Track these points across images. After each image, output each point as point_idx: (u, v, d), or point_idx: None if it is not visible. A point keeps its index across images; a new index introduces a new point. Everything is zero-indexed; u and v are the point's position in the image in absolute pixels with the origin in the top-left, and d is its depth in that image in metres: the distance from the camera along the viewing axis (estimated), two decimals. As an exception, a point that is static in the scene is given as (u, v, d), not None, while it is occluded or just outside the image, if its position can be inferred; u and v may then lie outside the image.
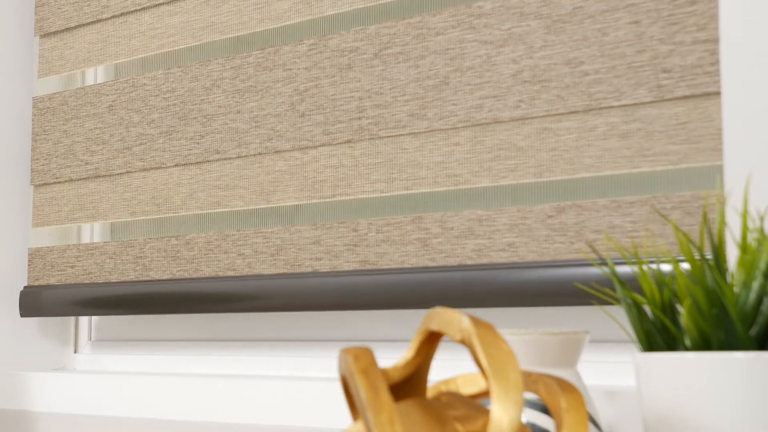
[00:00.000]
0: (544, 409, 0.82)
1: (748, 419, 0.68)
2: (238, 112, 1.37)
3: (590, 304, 1.05)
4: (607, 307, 1.05)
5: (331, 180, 1.27)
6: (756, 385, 0.68)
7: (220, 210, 1.38)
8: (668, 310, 0.75)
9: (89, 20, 1.56)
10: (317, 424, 1.21)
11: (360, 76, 1.25)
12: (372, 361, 0.62)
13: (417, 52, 1.21)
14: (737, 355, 0.68)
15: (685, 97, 1.02)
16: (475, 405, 0.67)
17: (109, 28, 1.54)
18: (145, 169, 1.47)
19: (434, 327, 0.66)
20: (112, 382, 1.42)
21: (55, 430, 1.48)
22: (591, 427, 0.84)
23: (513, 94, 1.13)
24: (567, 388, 0.65)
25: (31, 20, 1.67)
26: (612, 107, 1.06)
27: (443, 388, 0.72)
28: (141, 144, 1.47)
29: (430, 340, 0.69)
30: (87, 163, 1.54)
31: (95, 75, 1.68)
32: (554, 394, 0.65)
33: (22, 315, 1.59)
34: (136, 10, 1.50)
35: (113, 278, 1.50)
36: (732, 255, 0.93)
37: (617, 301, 1.03)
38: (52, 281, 1.58)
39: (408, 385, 0.70)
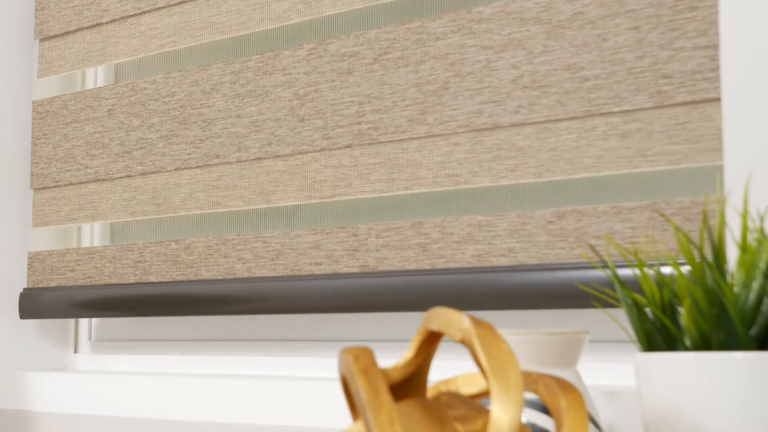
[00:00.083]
0: (544, 409, 0.82)
1: (748, 419, 0.68)
2: (238, 116, 1.37)
3: (590, 306, 1.05)
4: (607, 310, 1.05)
5: (331, 180, 1.27)
6: (756, 385, 0.68)
7: (219, 210, 1.38)
8: (668, 310, 0.75)
9: (89, 24, 1.56)
10: (317, 424, 1.21)
11: (360, 81, 1.25)
12: (372, 361, 0.62)
13: (417, 57, 1.21)
14: (737, 355, 0.68)
15: (685, 103, 1.02)
16: (475, 405, 0.67)
17: (109, 31, 1.54)
18: (144, 173, 1.47)
19: (434, 327, 0.66)
20: (112, 382, 1.42)
21: (55, 430, 1.48)
22: (591, 427, 0.84)
23: (513, 99, 1.13)
24: (567, 388, 0.65)
25: (31, 23, 1.67)
26: (612, 113, 1.06)
27: (443, 388, 0.72)
28: (141, 148, 1.47)
29: (430, 340, 0.69)
30: (87, 167, 1.54)
31: (95, 76, 1.68)
32: (554, 394, 0.65)
33: (21, 317, 1.59)
34: (135, 14, 1.50)
35: (113, 282, 1.50)
36: (732, 255, 0.93)
37: (617, 301, 1.03)
38: (52, 285, 1.58)
39: (408, 385, 0.70)
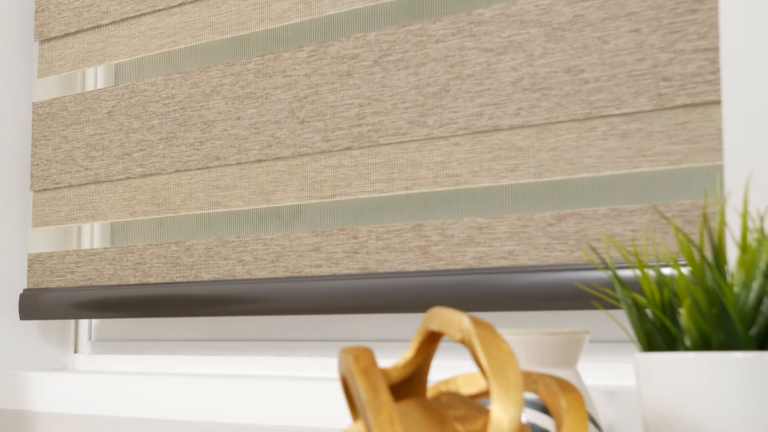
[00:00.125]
0: (544, 409, 0.82)
1: (748, 419, 0.68)
2: (238, 118, 1.37)
3: (590, 308, 1.05)
4: (607, 310, 1.05)
5: (331, 180, 1.27)
6: (756, 385, 0.68)
7: (219, 210, 1.38)
8: (668, 310, 0.75)
9: (89, 26, 1.56)
10: (317, 424, 1.21)
11: (360, 83, 1.25)
12: (372, 361, 0.62)
13: (417, 60, 1.21)
14: (737, 355, 0.68)
15: (686, 106, 1.02)
16: (475, 405, 0.67)
17: (109, 32, 1.54)
18: (144, 175, 1.47)
19: (434, 327, 0.66)
20: (112, 382, 1.42)
21: (55, 430, 1.48)
22: (591, 427, 0.84)
23: (513, 101, 1.13)
24: (567, 388, 0.65)
25: (31, 25, 1.67)
26: (612, 115, 1.06)
27: (443, 388, 0.72)
28: (141, 150, 1.47)
29: (430, 340, 0.69)
30: (87, 169, 1.54)
31: (95, 78, 1.68)
32: (554, 394, 0.65)
33: (21, 318, 1.59)
34: (135, 16, 1.50)
35: (113, 283, 1.50)
36: (732, 255, 0.93)
37: (617, 301, 1.03)
38: (52, 287, 1.58)
39: (408, 385, 0.70)
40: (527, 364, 0.85)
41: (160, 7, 1.47)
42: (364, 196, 1.24)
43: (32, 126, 1.63)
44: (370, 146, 1.24)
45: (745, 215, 0.73)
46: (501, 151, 1.14)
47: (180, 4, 1.45)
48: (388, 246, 1.21)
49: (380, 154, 1.24)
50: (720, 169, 1.08)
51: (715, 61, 1.00)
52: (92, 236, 1.66)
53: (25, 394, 1.53)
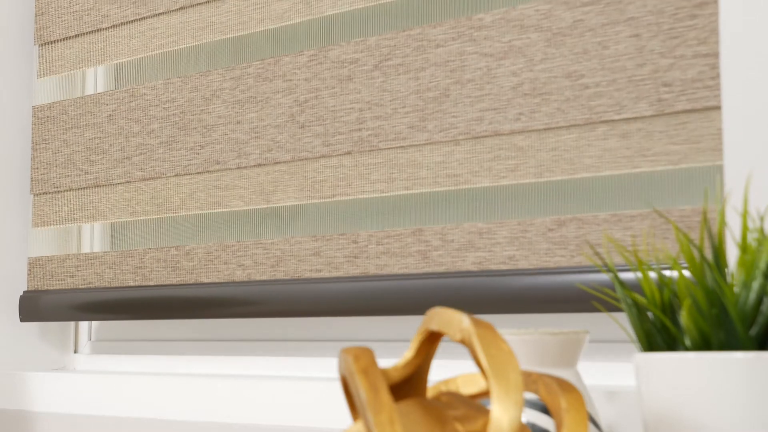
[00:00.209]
0: (544, 409, 0.82)
1: (748, 419, 0.68)
2: (238, 122, 1.37)
3: (590, 310, 1.05)
4: (607, 313, 1.05)
5: (331, 180, 1.27)
6: (756, 385, 0.68)
7: (219, 210, 1.38)
8: (668, 310, 0.75)
9: (89, 29, 1.56)
10: (317, 424, 1.21)
11: (360, 88, 1.25)
12: (372, 361, 0.62)
13: (417, 64, 1.21)
14: (737, 355, 0.68)
15: (686, 111, 1.02)
16: (475, 405, 0.67)
17: (109, 34, 1.54)
18: (144, 179, 1.47)
19: (434, 327, 0.66)
20: (112, 382, 1.42)
21: (55, 430, 1.48)
22: (591, 427, 0.84)
23: (513, 106, 1.13)
24: (567, 388, 0.65)
25: (31, 29, 1.67)
26: (612, 120, 1.06)
27: (443, 388, 0.72)
28: (141, 154, 1.47)
29: (430, 340, 0.69)
30: (87, 173, 1.54)
31: (95, 81, 1.68)
32: (554, 394, 0.65)
33: (21, 320, 1.59)
34: (135, 20, 1.50)
35: (113, 285, 1.50)
36: (732, 255, 0.93)
37: (617, 301, 1.03)
38: (52, 289, 1.58)
39: (408, 385, 0.70)
40: (527, 364, 0.85)
41: (160, 11, 1.47)
42: (365, 196, 1.24)
43: (32, 129, 1.63)
44: (371, 151, 1.24)
45: (745, 215, 0.73)
46: (501, 151, 1.14)
47: (179, 9, 1.45)
48: (388, 251, 1.21)
49: (380, 155, 1.24)
50: (720, 169, 1.08)
51: (715, 67, 1.00)
52: (92, 240, 1.66)
53: (25, 394, 1.53)
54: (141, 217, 1.47)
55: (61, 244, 1.65)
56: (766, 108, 0.94)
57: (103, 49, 1.55)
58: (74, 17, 1.58)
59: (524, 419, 0.82)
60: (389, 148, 1.22)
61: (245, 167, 1.36)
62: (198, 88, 1.42)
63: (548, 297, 1.08)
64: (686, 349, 0.73)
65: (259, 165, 1.34)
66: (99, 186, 1.53)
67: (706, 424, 0.69)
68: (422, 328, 0.68)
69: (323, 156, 1.28)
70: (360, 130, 1.24)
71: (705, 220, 0.74)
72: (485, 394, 0.71)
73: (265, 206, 1.34)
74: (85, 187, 1.54)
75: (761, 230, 0.71)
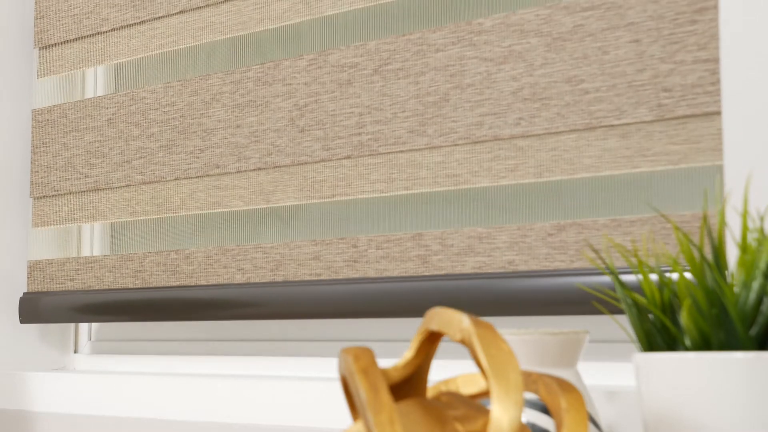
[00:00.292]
0: (544, 409, 0.82)
1: (748, 419, 0.68)
2: (238, 126, 1.37)
3: (590, 312, 1.05)
4: (607, 311, 1.05)
5: (331, 180, 1.27)
6: (756, 385, 0.68)
7: (219, 210, 1.38)
8: (668, 310, 0.75)
9: (89, 33, 1.56)
10: (317, 424, 1.21)
11: (360, 92, 1.25)
12: (372, 361, 0.62)
13: (417, 69, 1.21)
14: (737, 355, 0.68)
15: (686, 117, 1.02)
16: (475, 405, 0.67)
17: (109, 36, 1.54)
18: (144, 183, 1.47)
19: (434, 327, 0.66)
20: (112, 382, 1.42)
21: (55, 430, 1.48)
22: (591, 427, 0.84)
23: (513, 111, 1.13)
24: (567, 388, 0.65)
25: (31, 32, 1.67)
26: (612, 126, 1.06)
27: (443, 388, 0.72)
28: (141, 157, 1.47)
29: (430, 340, 0.69)
30: (86, 176, 1.54)
31: (95, 85, 1.68)
32: (554, 394, 0.65)
33: (21, 321, 1.59)
34: (135, 23, 1.50)
35: (113, 287, 1.50)
36: (732, 255, 0.93)
37: (617, 301, 1.03)
38: (52, 290, 1.58)
39: (408, 385, 0.70)
40: (527, 364, 0.85)
41: (160, 15, 1.47)
42: (364, 196, 1.24)
43: (32, 133, 1.63)
44: (370, 155, 1.24)
45: (745, 215, 0.73)
46: (501, 151, 1.14)
47: (179, 12, 1.45)
48: (387, 255, 1.21)
49: (380, 159, 1.24)
50: (720, 169, 1.08)
51: (715, 72, 1.00)
52: (92, 243, 1.66)
53: (25, 394, 1.53)
54: (141, 217, 1.47)
55: (61, 247, 1.65)
56: (765, 108, 0.94)
57: (103, 48, 1.55)
58: (74, 20, 1.58)
59: (524, 419, 0.82)
60: (389, 153, 1.22)
61: (245, 171, 1.35)
62: (198, 91, 1.42)
63: (548, 299, 1.08)
64: (686, 349, 0.73)
65: (259, 169, 1.34)
66: (99, 189, 1.53)
67: (706, 424, 0.69)
68: (422, 328, 0.68)
69: (323, 160, 1.28)
70: (360, 134, 1.24)
71: (705, 220, 0.74)
72: (485, 394, 0.71)
73: (264, 206, 1.34)
74: (84, 191, 1.54)
75: (761, 230, 0.71)
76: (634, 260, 1.03)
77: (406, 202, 1.31)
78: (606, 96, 1.07)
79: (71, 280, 1.55)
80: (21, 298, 1.60)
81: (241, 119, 1.36)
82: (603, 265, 1.06)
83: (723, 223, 0.73)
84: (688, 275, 0.95)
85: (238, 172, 1.36)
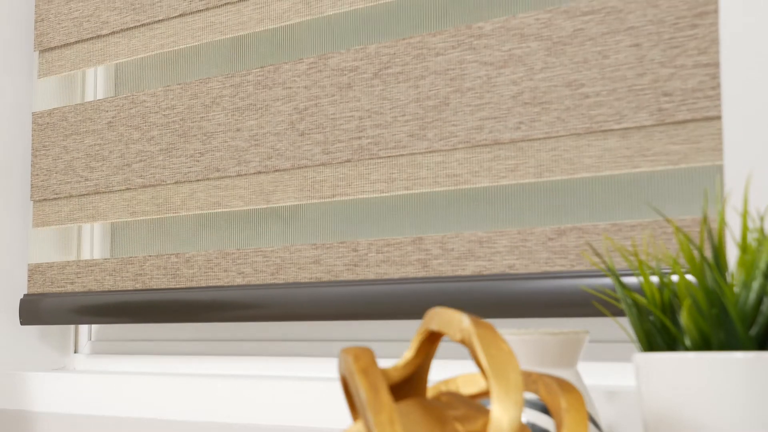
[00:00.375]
0: (544, 409, 0.82)
1: (748, 419, 0.68)
2: (238, 130, 1.37)
3: (591, 314, 1.05)
4: (607, 312, 1.05)
5: (331, 180, 1.27)
6: (756, 385, 0.68)
7: (219, 210, 1.38)
8: (668, 310, 0.75)
9: (89, 36, 1.56)
10: (317, 424, 1.21)
11: (360, 96, 1.25)
12: (372, 361, 0.62)
13: (417, 73, 1.21)
14: (737, 355, 0.68)
15: (686, 121, 1.02)
16: (475, 405, 0.67)
17: (110, 38, 1.54)
18: (144, 186, 1.47)
19: (434, 327, 0.66)
20: (112, 382, 1.42)
21: (55, 430, 1.48)
22: (591, 427, 0.84)
23: (513, 115, 1.13)
24: (567, 388, 0.65)
25: (31, 35, 1.67)
26: (612, 130, 1.06)
27: (443, 388, 0.72)
28: (141, 161, 1.47)
29: (430, 340, 0.69)
30: (87, 179, 1.54)
31: (95, 87, 1.68)
32: (554, 394, 0.65)
33: (22, 323, 1.59)
34: (136, 26, 1.50)
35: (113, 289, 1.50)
36: (732, 255, 0.93)
37: (617, 301, 1.03)
38: (52, 292, 1.58)
39: (408, 385, 0.70)
40: (527, 364, 0.85)
41: (160, 18, 1.47)
42: (365, 196, 1.24)
43: (32, 136, 1.63)
44: (370, 159, 1.24)
45: (745, 215, 0.73)
46: (501, 152, 1.14)
47: (180, 15, 1.45)
48: (388, 259, 1.21)
49: (380, 163, 1.24)
50: (720, 169, 1.08)
51: (715, 76, 1.00)
52: (92, 247, 1.66)
53: (25, 394, 1.53)
54: (141, 217, 1.47)
55: (61, 250, 1.65)
56: (765, 109, 0.94)
57: (103, 49, 1.55)
58: (74, 23, 1.58)
59: (524, 419, 0.82)
60: (389, 157, 1.22)
61: (245, 175, 1.35)
62: (198, 95, 1.42)
63: (549, 301, 1.08)
64: (686, 349, 0.73)
65: (259, 172, 1.34)
66: (99, 193, 1.53)
67: (706, 424, 0.69)
68: (422, 328, 0.68)
69: (323, 164, 1.28)
70: (360, 138, 1.24)
71: (705, 221, 0.74)
72: (485, 394, 0.71)
73: (265, 206, 1.34)
74: (85, 194, 1.54)
75: (761, 230, 0.71)
76: (634, 260, 1.03)
77: (406, 203, 1.31)
78: (606, 100, 1.07)
79: (71, 283, 1.55)
80: (21, 299, 1.60)
81: (241, 123, 1.36)
82: (603, 266, 1.06)
83: (723, 223, 0.73)
84: (688, 276, 0.95)
85: (239, 175, 1.36)
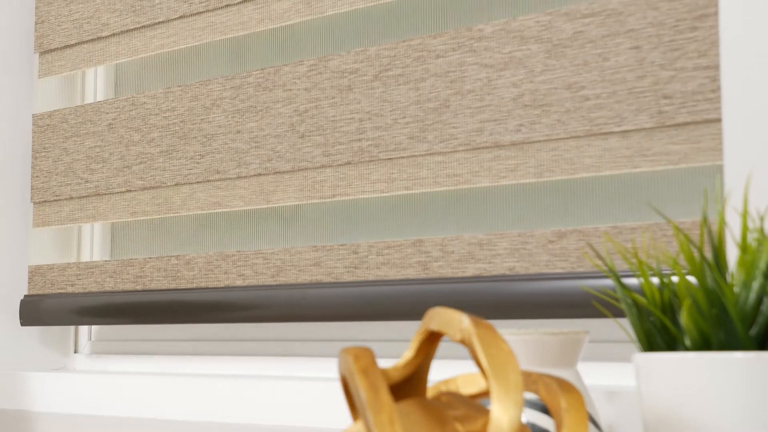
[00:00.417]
0: (544, 409, 0.82)
1: (748, 419, 0.68)
2: (238, 132, 1.37)
3: (591, 315, 1.05)
4: (608, 312, 1.05)
5: (331, 179, 1.28)
6: (756, 385, 0.68)
7: (219, 210, 1.38)
8: (668, 310, 0.75)
9: (89, 38, 1.56)
10: (317, 424, 1.21)
11: (360, 98, 1.25)
12: (372, 361, 0.62)
13: (417, 75, 1.21)
14: (737, 355, 0.68)
15: (686, 124, 1.02)
16: (475, 405, 0.67)
17: (110, 38, 1.54)
18: (144, 188, 1.47)
19: (434, 327, 0.66)
20: (112, 382, 1.42)
21: (55, 430, 1.48)
22: (591, 427, 0.84)
23: (513, 118, 1.13)
24: (567, 388, 0.65)
25: (31, 37, 1.67)
26: (612, 132, 1.06)
27: (443, 388, 0.72)
28: (141, 163, 1.47)
29: (430, 340, 0.69)
30: (87, 181, 1.54)
31: (95, 88, 1.68)
32: (554, 394, 0.65)
33: (22, 324, 1.59)
34: (136, 29, 1.50)
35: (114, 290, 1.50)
36: (732, 255, 0.93)
37: (617, 301, 1.03)
38: (53, 293, 1.58)
39: (408, 385, 0.70)
40: (527, 364, 0.85)
41: (160, 20, 1.47)
42: (365, 195, 1.24)
43: (32, 137, 1.63)
44: (370, 161, 1.24)
45: (745, 215, 0.73)
46: (501, 152, 1.14)
47: (180, 18, 1.45)
48: (388, 261, 1.21)
49: (380, 165, 1.24)
50: (720, 169, 1.08)
51: (715, 79, 1.00)
52: (92, 249, 1.66)
53: (25, 394, 1.53)
54: (141, 217, 1.47)
55: (61, 253, 1.65)
56: (765, 110, 0.94)
57: (103, 48, 1.55)
58: (74, 25, 1.58)
59: (524, 419, 0.82)
60: (389, 159, 1.22)
61: (245, 177, 1.35)
62: (198, 97, 1.42)
63: (549, 302, 1.08)
64: (686, 349, 0.73)
65: (259, 175, 1.34)
66: (99, 194, 1.53)
67: (706, 424, 0.69)
68: (422, 328, 0.68)
69: (323, 166, 1.28)
70: (360, 140, 1.24)
71: (705, 221, 0.74)
72: (485, 394, 0.71)
73: (265, 206, 1.34)
74: (85, 196, 1.54)
75: (761, 230, 0.72)
76: (634, 261, 1.03)
77: (406, 203, 1.31)
78: (606, 103, 1.07)
79: (72, 285, 1.55)
80: (22, 300, 1.60)
81: (241, 125, 1.36)
82: (604, 266, 1.06)
83: (723, 223, 0.73)
84: (689, 277, 0.95)
85: (239, 177, 1.36)
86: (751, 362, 0.68)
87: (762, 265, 0.71)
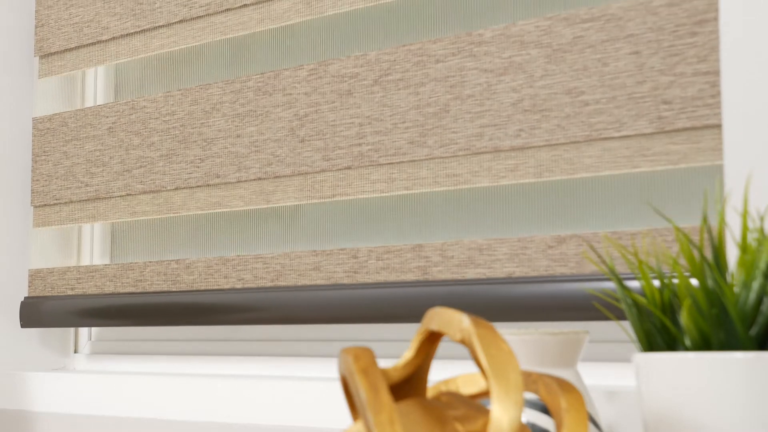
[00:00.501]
0: (544, 409, 0.82)
1: (748, 419, 0.68)
2: (238, 136, 1.37)
3: (591, 318, 1.05)
4: (607, 312, 1.05)
5: (331, 180, 1.28)
6: (756, 385, 0.68)
7: (219, 210, 1.38)
8: (668, 310, 0.75)
9: (89, 41, 1.56)
10: (317, 424, 1.21)
11: (360, 102, 1.25)
12: (372, 361, 0.62)
13: (417, 79, 1.21)
14: (737, 355, 0.68)
15: (686, 129, 1.02)
16: (475, 405, 0.67)
17: (110, 38, 1.54)
18: (144, 192, 1.47)
19: (434, 327, 0.66)
20: (112, 383, 1.42)
21: (55, 430, 1.48)
22: (591, 427, 0.84)
23: (513, 122, 1.13)
24: (567, 388, 0.65)
25: (31, 41, 1.67)
26: (612, 138, 1.06)
27: (443, 388, 0.72)
28: (141, 167, 1.47)
29: (430, 340, 0.69)
30: (87, 185, 1.54)
31: (95, 92, 1.68)
32: (554, 394, 0.65)
33: (23, 326, 1.59)
34: (136, 32, 1.50)
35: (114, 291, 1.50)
36: (732, 255, 0.93)
37: (617, 301, 1.03)
38: (53, 295, 1.58)
39: (408, 385, 0.70)
40: (527, 364, 0.85)
41: (160, 23, 1.47)
42: (365, 195, 1.24)
43: (33, 141, 1.63)
44: (370, 166, 1.24)
45: (745, 215, 0.73)
46: (501, 152, 1.14)
47: (180, 21, 1.45)
48: (388, 266, 1.21)
49: (380, 170, 1.24)
50: (720, 169, 1.08)
51: (715, 84, 1.00)
52: (92, 253, 1.66)
53: (25, 394, 1.53)
54: (141, 217, 1.47)
55: (62, 256, 1.65)
56: (766, 110, 0.94)
57: (104, 48, 1.55)
58: (74, 29, 1.58)
59: (524, 419, 0.82)
60: (389, 164, 1.22)
61: (245, 181, 1.35)
62: (198, 101, 1.42)
63: (549, 305, 1.08)
64: (686, 349, 0.73)
65: (259, 179, 1.34)
66: (99, 198, 1.53)
67: (706, 424, 0.69)
68: (422, 328, 0.68)
69: (323, 170, 1.28)
70: (360, 144, 1.24)
71: (705, 221, 0.75)
72: (485, 394, 0.71)
73: (265, 206, 1.33)
74: (85, 200, 1.54)
75: (761, 230, 0.72)
76: (634, 261, 1.03)
77: (406, 203, 1.31)
78: (606, 108, 1.07)
79: (72, 289, 1.55)
80: (22, 302, 1.60)
81: (241, 129, 1.36)
82: (604, 267, 1.06)
83: (723, 223, 0.73)
84: (693, 282, 0.95)
85: (239, 181, 1.36)
86: (751, 362, 0.68)
87: (762, 265, 0.71)
